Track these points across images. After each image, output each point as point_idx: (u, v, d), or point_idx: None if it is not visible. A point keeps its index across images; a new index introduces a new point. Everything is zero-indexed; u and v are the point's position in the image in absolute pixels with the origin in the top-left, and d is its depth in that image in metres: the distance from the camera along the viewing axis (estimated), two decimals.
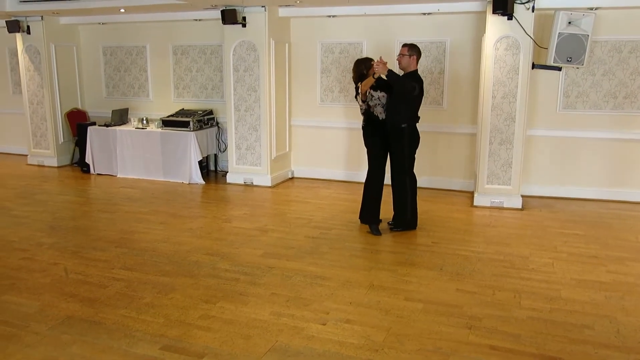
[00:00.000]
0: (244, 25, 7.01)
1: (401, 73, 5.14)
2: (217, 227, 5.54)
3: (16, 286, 4.07)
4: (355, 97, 5.27)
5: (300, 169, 7.86)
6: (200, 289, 4.00)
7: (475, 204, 6.30)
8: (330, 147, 7.59)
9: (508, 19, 5.83)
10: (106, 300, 3.83)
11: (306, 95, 7.60)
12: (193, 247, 4.92)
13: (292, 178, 7.83)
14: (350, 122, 7.36)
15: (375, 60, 4.94)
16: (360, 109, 5.26)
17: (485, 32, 6.07)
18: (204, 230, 5.43)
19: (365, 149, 5.33)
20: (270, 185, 7.27)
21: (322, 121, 7.57)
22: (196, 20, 7.86)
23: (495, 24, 5.92)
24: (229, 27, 7.08)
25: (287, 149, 7.73)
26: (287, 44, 7.44)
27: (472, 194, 6.63)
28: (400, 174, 5.19)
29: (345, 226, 5.53)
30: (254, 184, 7.35)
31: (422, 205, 6.29)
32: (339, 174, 7.60)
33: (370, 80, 5.02)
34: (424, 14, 6.72)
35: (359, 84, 5.16)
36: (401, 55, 5.11)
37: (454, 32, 6.75)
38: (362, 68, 5.19)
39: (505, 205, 6.18)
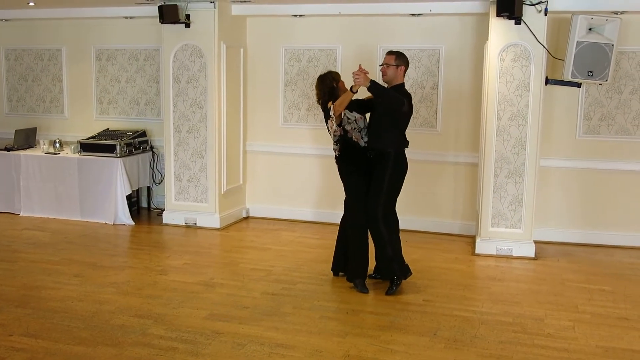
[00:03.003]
0: (187, 25, 7.10)
1: (386, 86, 5.24)
2: (150, 281, 5.47)
3: None
4: (326, 121, 5.32)
5: (257, 207, 7.87)
6: None
7: (477, 251, 6.39)
8: (295, 179, 7.64)
9: (516, 23, 6.04)
10: None
11: (266, 113, 7.67)
12: (118, 307, 4.83)
13: (246, 218, 7.82)
14: (320, 148, 7.41)
15: (355, 70, 4.98)
16: (334, 136, 5.29)
17: (488, 39, 6.28)
18: (132, 285, 5.35)
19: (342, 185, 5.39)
20: (218, 226, 7.26)
21: (286, 146, 7.63)
22: (127, 17, 7.92)
23: (500, 29, 6.14)
24: (169, 27, 7.16)
25: (241, 181, 7.75)
26: (242, 49, 7.55)
27: (473, 238, 6.73)
28: (373, 217, 5.22)
29: (314, 279, 5.53)
30: (198, 225, 7.31)
31: (412, 252, 6.34)
32: (305, 213, 7.63)
33: (348, 96, 5.06)
34: (413, 15, 6.92)
35: (330, 104, 5.22)
36: (386, 65, 5.22)
37: (450, 37, 6.96)
38: (331, 82, 5.27)
39: (514, 254, 6.29)
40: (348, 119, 5.20)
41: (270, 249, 6.48)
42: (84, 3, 7.57)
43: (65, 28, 8.42)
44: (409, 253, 6.27)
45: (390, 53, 5.26)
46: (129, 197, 7.51)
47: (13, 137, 8.08)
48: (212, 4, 6.99)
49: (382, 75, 5.28)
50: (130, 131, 7.89)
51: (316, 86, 5.40)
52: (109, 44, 8.28)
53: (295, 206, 7.68)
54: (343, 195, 7.28)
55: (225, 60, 7.18)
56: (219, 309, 4.83)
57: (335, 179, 7.31)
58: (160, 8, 6.92)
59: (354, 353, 4.09)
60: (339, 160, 5.36)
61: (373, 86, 4.94)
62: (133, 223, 7.40)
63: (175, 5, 6.95)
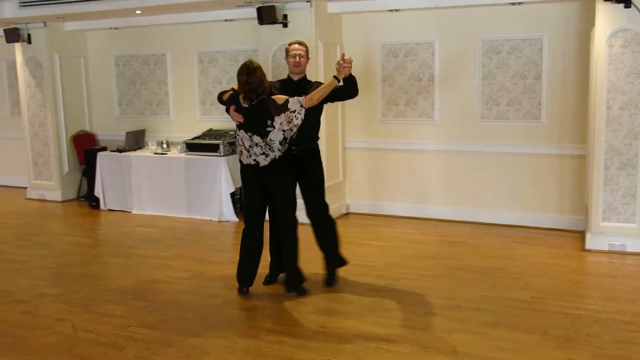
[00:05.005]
0: (285, 25, 7.19)
1: (296, 78, 5.09)
2: (256, 276, 5.59)
3: (16, 346, 4.23)
4: (273, 117, 4.74)
5: (357, 203, 7.88)
6: (237, 353, 4.04)
7: (587, 247, 6.13)
8: (394, 174, 7.60)
9: (625, 7, 5.74)
10: None
11: (364, 109, 7.67)
12: (226, 301, 4.98)
13: (347, 214, 7.85)
14: (421, 143, 7.36)
15: (344, 59, 4.75)
16: (290, 132, 4.81)
17: (594, 25, 6.00)
18: None
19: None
20: None
21: (385, 142, 7.60)
22: (227, 20, 8.13)
23: (607, 13, 5.85)
24: (267, 28, 7.28)
25: (341, 178, 7.79)
26: (338, 47, 7.57)
27: (582, 234, 6.46)
28: (326, 209, 5.24)
29: (416, 275, 5.48)
30: (300, 221, 7.37)
31: (517, 248, 6.19)
32: (405, 208, 7.57)
33: (332, 86, 4.79)
34: (513, 3, 6.71)
35: (275, 95, 4.83)
36: (306, 58, 5.10)
37: (553, 25, 6.69)
38: (261, 74, 4.79)
39: (628, 250, 5.98)
40: (307, 112, 4.83)
41: (371, 245, 6.48)
42: (186, 8, 7.82)
43: (169, 33, 8.76)
44: (515, 248, 6.17)
45: (300, 43, 5.10)
46: (232, 195, 7.70)
47: (124, 139, 8.50)
48: (309, 3, 7.05)
49: (297, 66, 5.05)
50: (232, 130, 8.07)
51: (252, 77, 4.71)
52: (210, 47, 8.53)
53: (395, 202, 7.63)
54: (444, 191, 7.32)
55: (322, 58, 7.23)
56: (324, 303, 4.88)
57: (435, 174, 7.34)
58: (259, 9, 7.06)
59: (461, 350, 4.02)
60: (279, 162, 4.88)
61: (351, 75, 4.84)
62: (237, 220, 7.59)
63: (273, 6, 7.06)
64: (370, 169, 7.74)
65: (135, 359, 4.00)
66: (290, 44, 5.13)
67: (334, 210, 7.57)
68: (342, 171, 7.78)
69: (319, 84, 5.06)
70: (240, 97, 4.83)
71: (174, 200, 7.91)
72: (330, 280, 5.32)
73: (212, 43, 8.52)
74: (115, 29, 9.02)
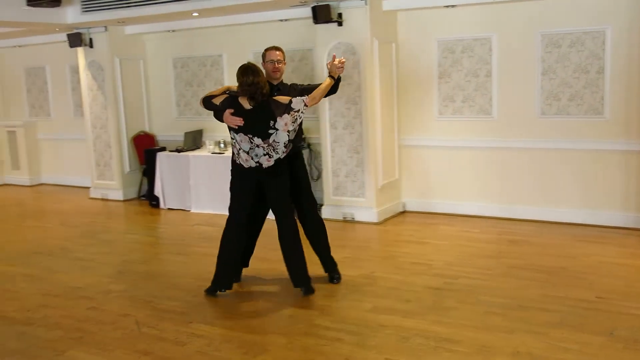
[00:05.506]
0: (340, 24, 7.20)
1: (275, 83, 5.12)
2: (313, 274, 5.57)
3: (84, 340, 4.38)
4: (275, 119, 4.72)
5: (413, 201, 7.83)
6: (296, 351, 4.07)
7: None
8: (451, 172, 7.51)
9: None
10: None
11: (420, 107, 7.61)
12: (285, 299, 5.04)
13: (403, 212, 7.81)
14: (478, 140, 7.26)
15: (338, 59, 4.90)
16: (289, 134, 4.79)
17: None
18: None
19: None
20: (376, 221, 7.30)
21: (441, 139, 7.52)
22: (282, 20, 8.18)
23: None
24: (322, 27, 7.30)
25: (397, 176, 7.75)
26: (393, 44, 7.54)
27: None
28: (315, 207, 5.40)
29: (476, 274, 5.41)
30: (356, 219, 7.40)
31: (580, 247, 6.03)
32: (463, 206, 7.48)
33: (330, 83, 4.91)
34: None
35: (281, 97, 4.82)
36: (283, 63, 5.18)
37: (617, 16, 6.48)
38: (263, 75, 4.84)
39: None
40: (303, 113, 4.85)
41: (429, 243, 6.42)
42: (242, 9, 7.91)
43: (225, 35, 8.88)
44: (578, 247, 6.02)
45: (277, 49, 5.14)
46: None
47: (183, 139, 8.66)
48: (364, 1, 7.04)
49: (275, 72, 5.11)
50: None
51: (258, 77, 4.72)
52: (263, 47, 8.56)
53: (453, 200, 7.54)
54: (503, 188, 7.20)
55: (377, 56, 7.21)
56: (382, 302, 4.86)
57: (494, 171, 7.22)
58: (314, 9, 7.08)
59: (524, 350, 3.95)
60: (281, 164, 4.89)
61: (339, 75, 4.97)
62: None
63: (328, 5, 7.07)
64: (427, 166, 7.67)
65: (196, 355, 4.08)
66: (267, 50, 5.16)
67: (390, 208, 7.58)
68: (397, 169, 7.74)
69: (295, 85, 5.22)
70: (243, 99, 4.78)
71: None
72: (336, 278, 5.36)
73: (267, 43, 8.45)
74: (172, 31, 9.20)
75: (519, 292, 4.96)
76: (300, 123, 4.93)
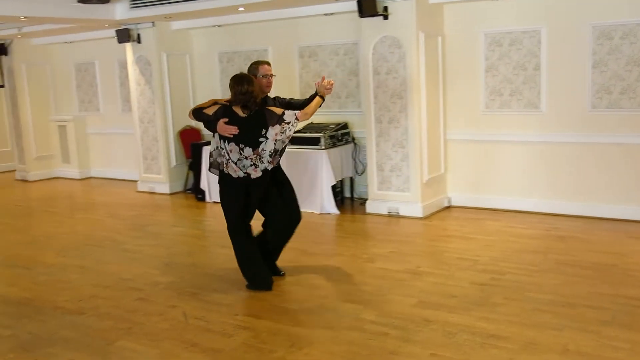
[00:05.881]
0: (385, 17, 7.17)
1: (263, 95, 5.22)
2: (358, 268, 5.65)
3: (133, 331, 4.48)
4: (267, 130, 4.94)
5: (459, 196, 7.77)
6: (342, 345, 4.09)
7: None
8: (498, 166, 7.42)
9: None
10: (231, 352, 4.07)
11: (466, 101, 7.54)
12: (330, 292, 5.06)
13: (448, 207, 7.76)
14: (526, 134, 7.16)
15: (327, 80, 5.16)
16: (283, 143, 5.06)
17: None
18: (341, 272, 5.56)
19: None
20: (421, 215, 7.28)
21: (488, 134, 7.44)
22: (326, 14, 8.20)
23: None
24: (367, 21, 7.29)
25: (443, 170, 7.70)
26: (439, 38, 7.48)
27: None
28: (297, 202, 5.53)
29: (523, 270, 5.34)
30: (401, 214, 7.39)
31: (631, 244, 5.91)
32: (510, 201, 7.38)
33: (320, 102, 5.16)
34: None
35: (275, 109, 5.00)
36: (271, 75, 5.28)
37: None
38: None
39: None
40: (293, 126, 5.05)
41: (475, 239, 6.37)
42: (287, 4, 7.97)
43: (271, 29, 8.94)
44: (629, 244, 5.91)
45: (268, 63, 5.33)
46: (333, 188, 7.78)
47: None
48: None
49: (268, 86, 5.25)
50: (333, 124, 8.17)
51: (252, 86, 4.92)
52: (311, 41, 8.64)
53: (499, 195, 7.45)
54: (550, 183, 7.08)
55: (424, 49, 7.16)
56: (428, 297, 4.85)
57: (541, 166, 7.11)
58: (359, 2, 7.06)
59: (573, 348, 3.89)
60: (268, 173, 5.10)
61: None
62: (338, 212, 7.67)
63: None
64: (473, 161, 7.59)
65: (243, 347, 4.14)
66: (259, 65, 5.29)
67: (436, 203, 7.54)
68: (443, 163, 7.69)
69: (279, 98, 5.44)
70: (236, 107, 4.94)
71: None
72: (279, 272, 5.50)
73: (312, 37, 8.62)
74: (218, 26, 9.31)
75: (567, 288, 4.88)
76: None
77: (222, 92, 9.63)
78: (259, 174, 5.01)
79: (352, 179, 8.43)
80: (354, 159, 8.24)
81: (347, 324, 4.41)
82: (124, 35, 9.36)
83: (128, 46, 9.61)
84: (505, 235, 6.42)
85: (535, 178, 7.19)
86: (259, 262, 5.25)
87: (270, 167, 5.04)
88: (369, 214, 7.59)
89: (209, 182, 8.67)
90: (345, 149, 8.11)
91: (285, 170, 7.81)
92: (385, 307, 4.68)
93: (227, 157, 4.98)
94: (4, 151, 12.95)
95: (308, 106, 5.12)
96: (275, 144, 4.97)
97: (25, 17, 8.11)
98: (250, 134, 4.91)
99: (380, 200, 7.53)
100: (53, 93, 11.83)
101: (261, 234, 5.46)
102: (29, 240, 7.24)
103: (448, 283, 5.13)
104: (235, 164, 4.97)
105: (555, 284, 4.99)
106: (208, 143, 8.97)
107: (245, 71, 5.28)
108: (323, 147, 7.73)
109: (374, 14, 7.11)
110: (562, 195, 7.07)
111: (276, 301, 4.92)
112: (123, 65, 10.33)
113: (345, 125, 8.20)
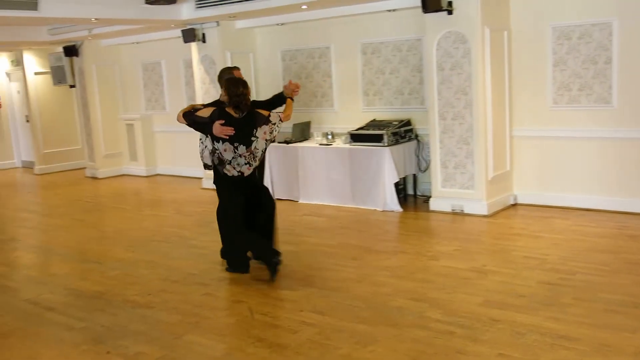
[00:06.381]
0: (449, 12, 7.09)
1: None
2: (422, 266, 5.62)
3: (200, 325, 4.59)
4: (256, 129, 5.32)
5: (525, 194, 7.61)
6: (407, 342, 4.08)
7: None
8: (566, 163, 7.23)
9: None
10: (297, 347, 4.11)
11: (533, 96, 7.37)
12: (394, 290, 5.04)
13: (514, 205, 7.61)
14: (596, 129, 6.96)
15: (294, 83, 5.71)
16: (267, 143, 5.43)
17: None
18: (405, 270, 5.54)
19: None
20: (486, 213, 7.17)
21: (556, 130, 7.26)
22: (389, 10, 8.16)
23: None
24: (431, 16, 7.22)
25: (508, 167, 7.56)
26: (505, 32, 7.34)
27: None
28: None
29: (593, 270, 5.20)
30: (465, 211, 7.29)
31: None
32: (579, 199, 7.19)
33: (291, 103, 5.74)
34: None
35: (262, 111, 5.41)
36: None
37: None
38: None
39: None
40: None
41: (542, 237, 6.23)
42: (350, 1, 7.97)
43: (333, 26, 8.97)
44: None
45: (238, 69, 6.01)
46: (396, 185, 7.75)
47: (291, 131, 8.84)
48: None
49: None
50: (396, 121, 8.13)
51: (246, 89, 5.27)
52: (373, 38, 8.62)
53: (568, 192, 7.27)
54: (622, 181, 6.88)
55: (489, 44, 7.04)
56: (494, 296, 4.78)
57: (612, 163, 6.90)
58: None
59: None
60: (255, 170, 5.48)
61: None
62: (401, 210, 7.64)
63: None
64: (540, 158, 7.42)
65: (307, 343, 4.17)
66: (233, 70, 5.87)
67: (501, 201, 7.42)
68: (509, 161, 7.55)
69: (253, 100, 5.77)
70: (229, 109, 5.25)
71: (339, 190, 8.11)
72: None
73: (375, 34, 8.60)
74: (281, 24, 9.39)
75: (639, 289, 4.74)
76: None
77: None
78: (251, 171, 5.39)
79: (414, 176, 8.37)
80: (417, 156, 8.19)
81: (412, 322, 4.40)
82: (189, 35, 9.56)
83: (193, 46, 9.81)
84: (574, 234, 6.26)
85: (606, 175, 6.98)
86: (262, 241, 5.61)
87: (258, 164, 5.45)
88: (433, 211, 7.52)
89: (273, 179, 8.76)
90: (408, 146, 8.06)
91: (348, 167, 7.94)
92: (451, 306, 4.63)
93: (222, 157, 5.31)
94: (75, 149, 13.46)
95: (287, 108, 5.66)
96: (266, 143, 5.40)
97: (96, 18, 8.41)
98: (242, 133, 5.25)
99: (444, 197, 7.46)
100: (121, 92, 12.21)
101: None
102: (99, 236, 7.50)
103: (515, 282, 5.04)
104: (230, 163, 5.30)
105: (627, 285, 4.84)
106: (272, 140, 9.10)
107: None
108: (386, 144, 7.70)
109: (438, 9, 7.03)
110: (634, 193, 6.83)
111: (340, 298, 4.94)
112: (188, 65, 10.55)
113: (408, 122, 8.15)
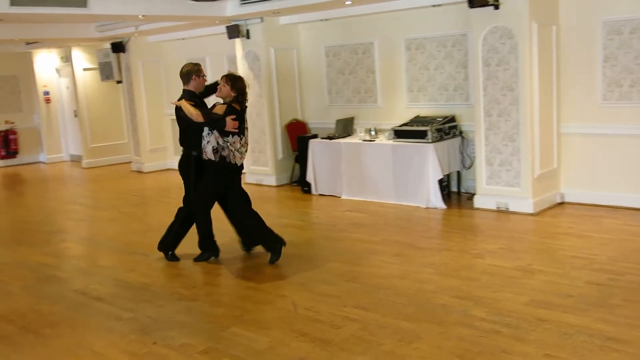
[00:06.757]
0: (496, 7, 6.99)
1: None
2: (466, 264, 5.56)
3: (244, 318, 4.64)
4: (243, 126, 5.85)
5: (573, 192, 7.46)
6: (451, 340, 4.05)
7: None
8: (617, 161, 7.06)
9: None
10: (340, 343, 4.12)
11: (582, 93, 7.22)
12: (438, 287, 5.01)
13: (561, 203, 7.47)
14: None
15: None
16: (244, 141, 5.89)
17: None
18: (449, 267, 5.50)
19: None
20: (531, 211, 7.05)
21: (606, 127, 7.09)
22: (434, 6, 8.09)
23: None
24: (477, 11, 7.12)
25: (555, 165, 7.42)
26: (554, 27, 7.20)
27: None
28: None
29: None
30: (510, 209, 7.19)
31: None
32: (630, 199, 7.02)
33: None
34: None
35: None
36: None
37: None
38: None
39: None
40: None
41: (590, 237, 6.10)
42: None
43: (377, 22, 8.93)
44: None
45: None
46: (440, 182, 7.68)
47: (334, 126, 8.85)
48: None
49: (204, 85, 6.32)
50: (440, 117, 8.06)
51: (245, 85, 5.89)
52: (418, 33, 8.56)
53: (617, 191, 7.10)
54: None
55: (536, 39, 6.92)
56: (540, 295, 4.71)
57: None
58: None
59: None
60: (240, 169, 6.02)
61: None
62: (445, 207, 7.58)
63: None
64: (589, 155, 7.26)
65: (351, 339, 4.18)
66: (199, 66, 6.17)
67: (547, 199, 7.29)
68: (556, 158, 7.41)
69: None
70: (235, 104, 5.72)
71: (382, 186, 8.09)
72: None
73: (419, 29, 8.54)
74: (325, 20, 9.40)
75: None
76: None
77: (328, 86, 9.74)
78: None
79: (459, 173, 8.29)
80: (462, 153, 8.10)
81: (456, 319, 4.36)
82: (233, 31, 9.64)
83: (237, 42, 9.89)
84: (624, 234, 6.11)
85: None
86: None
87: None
88: (477, 208, 7.44)
89: (315, 175, 8.79)
90: (453, 143, 7.98)
91: (391, 164, 7.91)
92: (496, 305, 4.58)
93: (232, 148, 5.74)
94: (122, 143, 13.72)
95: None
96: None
97: (143, 15, 8.54)
98: (243, 124, 5.81)
99: (488, 195, 7.37)
100: (166, 88, 12.38)
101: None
102: (145, 229, 7.64)
103: (562, 282, 4.95)
104: (239, 151, 5.81)
105: None
106: (315, 136, 9.13)
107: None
108: (430, 140, 7.64)
109: (484, 4, 6.94)
110: None
111: (383, 294, 4.93)
112: (232, 61, 10.63)
113: (452, 119, 8.07)
